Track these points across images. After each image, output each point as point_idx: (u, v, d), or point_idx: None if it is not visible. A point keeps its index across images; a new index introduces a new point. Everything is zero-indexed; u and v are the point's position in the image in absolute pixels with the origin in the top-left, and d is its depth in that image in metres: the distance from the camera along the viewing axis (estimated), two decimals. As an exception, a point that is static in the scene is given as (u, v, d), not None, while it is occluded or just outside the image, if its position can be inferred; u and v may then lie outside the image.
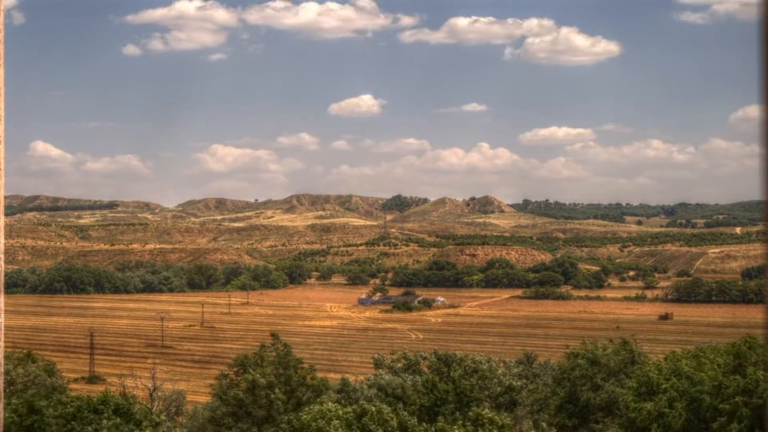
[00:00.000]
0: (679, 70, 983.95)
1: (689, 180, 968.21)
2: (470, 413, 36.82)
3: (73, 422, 40.91)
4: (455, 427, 33.69)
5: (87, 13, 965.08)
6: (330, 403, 35.16)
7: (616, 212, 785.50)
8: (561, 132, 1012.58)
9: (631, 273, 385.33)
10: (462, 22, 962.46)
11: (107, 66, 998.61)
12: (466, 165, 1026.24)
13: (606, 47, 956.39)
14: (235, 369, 61.53)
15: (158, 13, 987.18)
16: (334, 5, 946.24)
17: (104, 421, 40.13)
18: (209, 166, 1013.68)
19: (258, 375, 55.32)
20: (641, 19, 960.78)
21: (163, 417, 50.75)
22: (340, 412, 32.80)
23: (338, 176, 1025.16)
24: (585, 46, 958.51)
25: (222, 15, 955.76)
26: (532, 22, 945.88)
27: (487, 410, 37.50)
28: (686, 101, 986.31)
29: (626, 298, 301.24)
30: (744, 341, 39.13)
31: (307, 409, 36.38)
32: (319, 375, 65.90)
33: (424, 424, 34.69)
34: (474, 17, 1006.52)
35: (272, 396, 54.41)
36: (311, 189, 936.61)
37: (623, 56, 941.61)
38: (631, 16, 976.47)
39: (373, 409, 32.92)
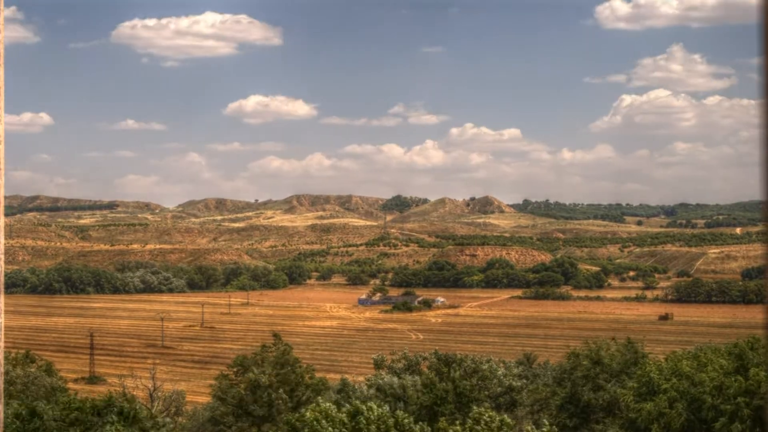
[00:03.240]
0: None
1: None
2: (472, 413, 36.72)
3: (73, 426, 40.10)
4: (455, 425, 33.55)
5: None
6: (328, 404, 35.04)
7: (616, 212, 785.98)
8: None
9: (631, 273, 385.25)
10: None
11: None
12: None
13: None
14: (235, 369, 61.46)
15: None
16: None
17: (107, 426, 39.22)
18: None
19: (261, 374, 55.25)
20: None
21: (166, 419, 50.22)
22: (335, 414, 32.67)
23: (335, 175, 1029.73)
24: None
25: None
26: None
27: (489, 411, 37.42)
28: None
29: (626, 299, 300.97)
30: (747, 342, 39.07)
31: (311, 406, 36.22)
32: (319, 375, 65.85)
33: (420, 423, 34.52)
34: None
35: (273, 395, 54.34)
36: (311, 189, 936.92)
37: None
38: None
39: (364, 408, 32.76)
